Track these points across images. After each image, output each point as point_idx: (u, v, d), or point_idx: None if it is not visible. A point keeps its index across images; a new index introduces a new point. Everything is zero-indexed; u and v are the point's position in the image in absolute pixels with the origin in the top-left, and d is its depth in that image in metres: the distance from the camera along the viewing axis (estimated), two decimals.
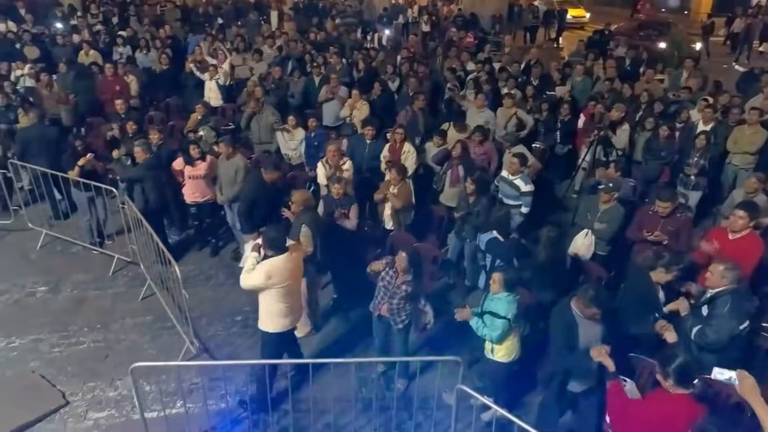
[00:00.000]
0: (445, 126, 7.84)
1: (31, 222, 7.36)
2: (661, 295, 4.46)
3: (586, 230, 5.61)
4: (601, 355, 3.65)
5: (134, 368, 3.78)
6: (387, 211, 6.48)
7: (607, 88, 9.45)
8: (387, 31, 14.52)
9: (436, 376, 4.19)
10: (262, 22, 16.84)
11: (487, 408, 4.60)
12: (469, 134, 7.49)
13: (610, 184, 5.49)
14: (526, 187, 6.34)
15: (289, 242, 4.72)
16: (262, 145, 8.28)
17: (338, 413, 4.59)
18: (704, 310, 4.15)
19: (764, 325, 4.67)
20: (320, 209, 5.95)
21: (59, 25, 14.16)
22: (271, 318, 4.55)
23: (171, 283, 6.05)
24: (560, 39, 20.12)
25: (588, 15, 23.79)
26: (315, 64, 10.60)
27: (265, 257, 4.46)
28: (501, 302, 4.28)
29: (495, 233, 5.26)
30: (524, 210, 6.29)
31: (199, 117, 8.20)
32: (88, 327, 5.81)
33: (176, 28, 14.08)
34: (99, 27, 13.98)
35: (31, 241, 7.27)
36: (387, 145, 7.17)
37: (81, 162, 6.54)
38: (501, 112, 8.54)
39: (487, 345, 4.44)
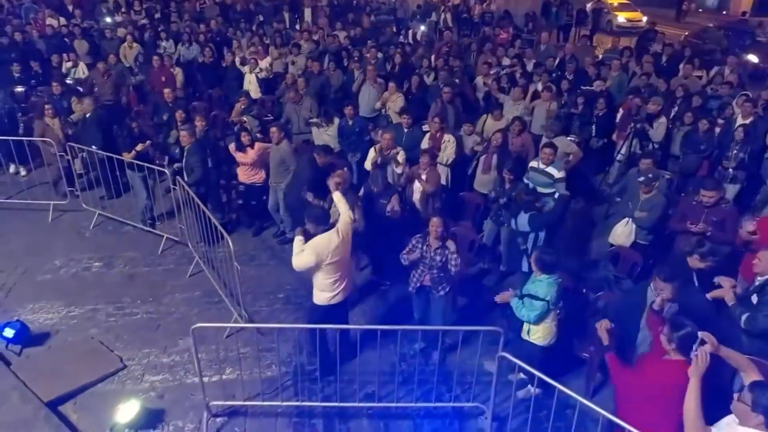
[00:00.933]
0: (483, 117, 7.98)
1: (85, 203, 7.76)
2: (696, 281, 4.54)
3: (626, 219, 5.68)
4: (602, 328, 3.80)
5: (195, 328, 4.05)
6: (416, 195, 6.66)
7: (644, 83, 9.45)
8: (422, 27, 14.66)
9: (476, 349, 4.35)
10: (296, 19, 17.20)
11: (523, 386, 4.77)
12: (506, 124, 7.63)
13: (650, 175, 5.57)
14: (559, 174, 6.47)
15: (334, 218, 4.92)
16: (301, 135, 8.52)
17: (380, 384, 4.78)
18: (754, 299, 4.20)
19: None
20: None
21: (108, 19, 14.69)
22: (322, 292, 4.72)
23: (217, 262, 6.38)
24: (593, 38, 19.93)
25: (645, 19, 22.14)
26: (354, 58, 10.83)
27: (312, 236, 4.62)
28: (542, 284, 4.41)
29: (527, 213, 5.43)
30: (561, 192, 6.40)
31: (242, 107, 8.49)
32: (141, 300, 6.14)
33: (217, 24, 14.44)
34: (144, 22, 14.44)
35: (85, 221, 7.67)
36: (427, 135, 7.34)
37: (139, 148, 6.90)
38: (538, 105, 8.64)
39: (525, 326, 4.57)
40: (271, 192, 7.03)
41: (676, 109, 8.51)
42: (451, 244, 4.90)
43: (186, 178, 6.58)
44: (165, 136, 8.00)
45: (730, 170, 7.24)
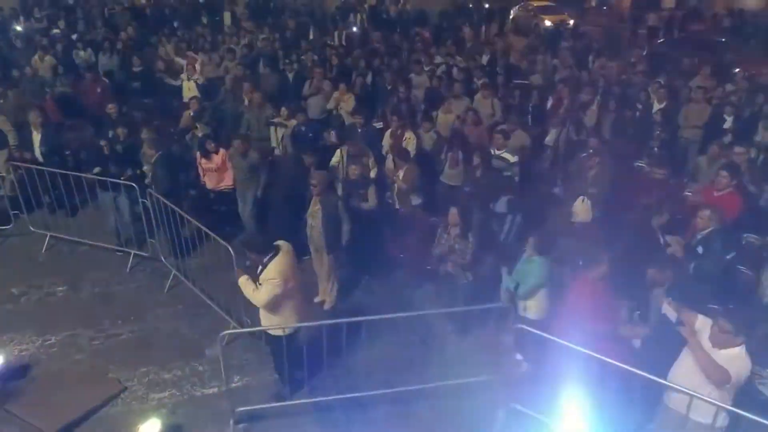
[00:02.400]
0: (434, 114, 8.38)
1: (33, 226, 7.27)
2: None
3: (581, 196, 6.28)
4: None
5: (224, 335, 4.07)
6: (395, 192, 6.93)
7: (568, 74, 10.32)
8: (354, 29, 14.88)
9: (486, 326, 4.71)
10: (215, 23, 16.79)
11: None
12: (457, 115, 8.09)
13: (590, 151, 6.23)
14: (513, 159, 7.01)
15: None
16: (261, 140, 8.44)
17: (393, 370, 5.01)
18: (699, 250, 4.90)
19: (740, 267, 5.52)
20: (338, 191, 6.27)
21: (18, 28, 13.57)
22: (287, 318, 4.52)
23: (194, 273, 6.29)
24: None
25: (572, 21, 21.90)
26: (287, 61, 10.88)
27: (263, 268, 4.37)
28: (534, 265, 4.85)
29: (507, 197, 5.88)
30: (517, 179, 6.94)
31: (192, 113, 8.30)
32: (121, 319, 5.91)
33: (134, 31, 13.79)
34: (56, 31, 13.48)
35: (35, 244, 7.19)
36: (388, 133, 7.61)
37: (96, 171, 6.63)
38: (479, 100, 9.17)
39: (521, 303, 4.99)
40: (240, 200, 7.00)
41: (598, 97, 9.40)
42: (470, 236, 5.17)
43: (155, 190, 6.39)
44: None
45: (656, 149, 8.15)
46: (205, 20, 16.52)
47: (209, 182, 7.02)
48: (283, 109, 8.27)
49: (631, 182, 6.34)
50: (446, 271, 5.36)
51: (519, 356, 5.09)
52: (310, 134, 8.10)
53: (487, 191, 6.19)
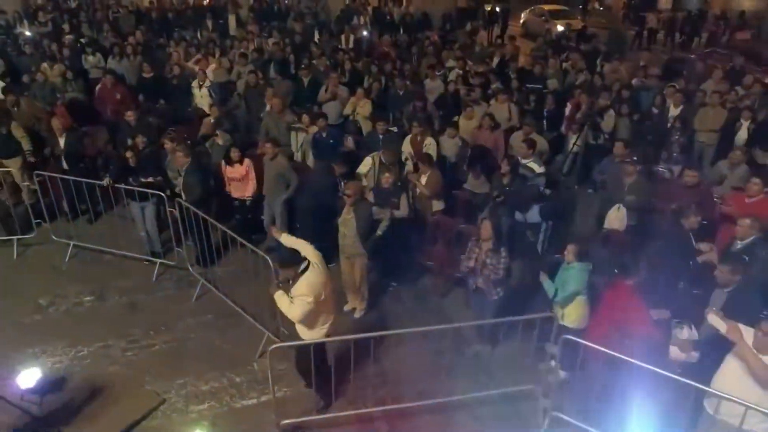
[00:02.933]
0: (456, 118, 8.40)
1: (55, 234, 7.22)
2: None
3: (617, 205, 6.27)
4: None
5: (273, 349, 4.06)
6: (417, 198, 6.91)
7: (582, 79, 10.35)
8: (365, 32, 14.83)
9: (517, 342, 4.72)
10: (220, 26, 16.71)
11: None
12: (479, 123, 8.11)
13: (634, 158, 6.23)
14: (539, 169, 7.03)
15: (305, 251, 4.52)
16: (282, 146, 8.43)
17: (429, 380, 5.01)
18: (745, 258, 4.90)
19: None
20: (370, 199, 6.25)
21: (27, 33, 13.44)
22: (314, 330, 4.50)
23: (219, 282, 6.27)
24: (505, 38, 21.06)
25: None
26: (303, 66, 10.83)
27: (294, 282, 4.35)
28: (574, 271, 4.86)
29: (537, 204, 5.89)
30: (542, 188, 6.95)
31: (213, 120, 8.27)
32: (152, 329, 5.89)
33: (143, 35, 13.69)
34: (68, 36, 13.33)
35: (57, 254, 7.14)
36: (408, 139, 7.61)
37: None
38: (496, 105, 9.17)
39: (559, 311, 5.00)
40: (266, 207, 6.98)
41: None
42: (504, 250, 5.08)
43: (186, 199, 6.36)
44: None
45: (675, 154, 8.20)
46: (210, 24, 16.42)
47: (234, 191, 6.99)
48: (304, 115, 8.26)
49: (661, 187, 6.35)
50: (476, 286, 5.30)
51: (555, 363, 5.11)
52: (331, 141, 8.12)
53: (518, 200, 6.20)
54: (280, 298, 4.39)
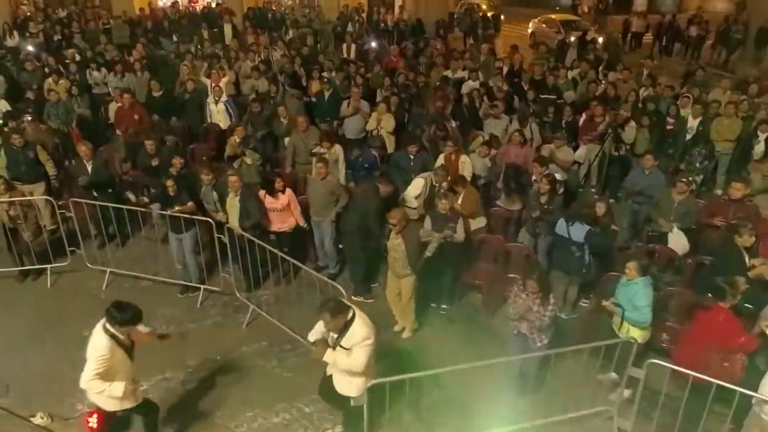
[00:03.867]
0: (486, 136, 8.47)
1: (90, 261, 7.05)
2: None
3: (674, 230, 6.34)
4: None
5: (371, 385, 4.04)
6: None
7: (594, 90, 10.51)
8: (373, 44, 14.78)
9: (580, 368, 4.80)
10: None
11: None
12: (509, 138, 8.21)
13: (690, 178, 6.40)
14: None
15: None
16: (305, 165, 8.35)
17: (500, 406, 5.05)
18: None
19: None
20: (427, 225, 6.20)
21: (30, 48, 13.03)
22: (363, 378, 4.29)
23: (268, 307, 6.24)
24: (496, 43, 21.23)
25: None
26: (325, 80, 10.68)
27: (340, 335, 4.18)
28: (638, 287, 4.95)
29: (586, 226, 5.96)
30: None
31: (238, 140, 8.12)
32: (208, 359, 5.80)
33: (145, 48, 13.41)
34: (71, 51, 12.99)
35: (91, 281, 6.99)
36: (442, 158, 7.64)
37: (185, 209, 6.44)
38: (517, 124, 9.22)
39: (624, 328, 5.08)
40: (315, 228, 6.92)
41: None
42: (552, 297, 4.95)
43: (242, 224, 6.29)
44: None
45: (697, 164, 8.43)
46: (206, 34, 16.16)
47: (274, 223, 6.75)
48: (324, 141, 8.19)
49: (708, 204, 6.52)
50: (518, 331, 5.14)
51: (615, 375, 5.22)
52: (366, 165, 8.11)
53: (558, 217, 6.28)
54: (336, 356, 4.19)
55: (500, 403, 5.06)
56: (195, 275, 6.78)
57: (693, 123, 9.04)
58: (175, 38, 16.45)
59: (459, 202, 6.76)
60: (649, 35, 20.60)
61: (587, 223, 5.97)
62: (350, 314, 4.18)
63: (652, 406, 4.73)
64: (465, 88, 10.92)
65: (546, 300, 4.86)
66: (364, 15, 19.49)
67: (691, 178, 8.01)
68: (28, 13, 17.19)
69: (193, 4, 24.22)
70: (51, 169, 7.74)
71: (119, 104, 9.22)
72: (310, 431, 4.99)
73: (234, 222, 6.47)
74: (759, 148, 8.53)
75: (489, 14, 21.85)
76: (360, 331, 4.14)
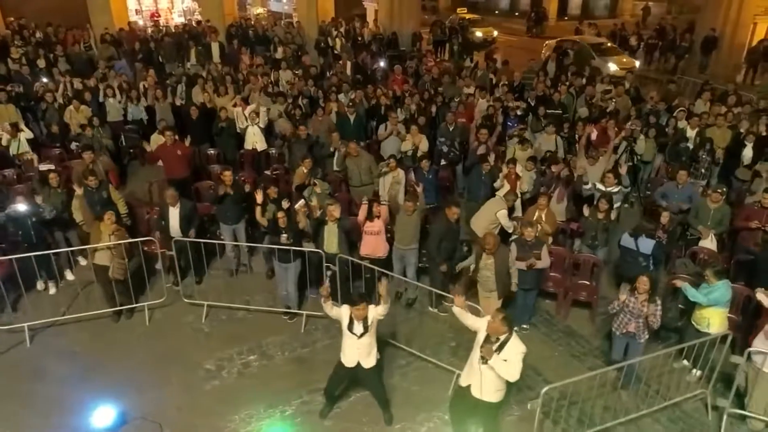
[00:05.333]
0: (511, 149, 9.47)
1: (186, 297, 7.30)
2: None
3: (710, 236, 7.43)
4: None
5: (548, 390, 4.74)
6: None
7: (605, 106, 11.61)
8: (382, 63, 15.27)
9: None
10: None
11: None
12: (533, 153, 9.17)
13: (723, 189, 7.54)
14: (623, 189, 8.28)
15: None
16: (363, 187, 8.90)
17: (607, 397, 5.88)
18: None
19: None
20: (513, 252, 6.72)
21: (44, 79, 12.59)
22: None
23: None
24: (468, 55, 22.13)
25: (495, 33, 24.89)
26: (350, 104, 11.11)
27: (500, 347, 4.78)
28: (720, 288, 5.91)
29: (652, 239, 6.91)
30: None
31: (306, 170, 8.50)
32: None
33: (155, 74, 13.25)
34: (81, 82, 12.70)
35: (188, 315, 7.24)
36: (503, 177, 8.39)
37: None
38: (544, 138, 10.16)
39: (704, 321, 6.02)
40: (398, 259, 7.34)
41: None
42: (659, 299, 5.80)
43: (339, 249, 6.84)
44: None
45: (702, 170, 9.65)
46: (193, 53, 16.10)
47: (366, 247, 7.22)
48: (391, 159, 8.78)
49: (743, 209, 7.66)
50: (627, 330, 5.96)
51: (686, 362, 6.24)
52: (430, 176, 8.74)
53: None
54: (501, 365, 4.72)
55: (612, 398, 5.91)
56: (295, 301, 7.19)
57: (691, 133, 10.31)
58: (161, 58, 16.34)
59: (544, 219, 7.51)
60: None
61: (651, 236, 6.92)
62: (510, 330, 4.86)
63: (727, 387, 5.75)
64: (481, 105, 11.71)
65: (655, 302, 5.70)
66: (342, 30, 19.90)
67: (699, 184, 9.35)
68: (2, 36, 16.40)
69: (155, 18, 23.79)
70: (123, 208, 7.86)
71: (164, 140, 9.26)
72: None
73: (332, 248, 6.96)
74: (747, 153, 9.88)
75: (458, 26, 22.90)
76: (518, 344, 4.82)
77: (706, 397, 5.93)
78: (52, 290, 7.59)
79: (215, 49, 16.79)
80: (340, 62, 15.76)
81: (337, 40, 19.25)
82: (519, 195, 8.38)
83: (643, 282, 5.69)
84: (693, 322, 6.16)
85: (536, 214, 7.55)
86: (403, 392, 6.13)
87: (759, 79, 17.89)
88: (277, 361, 6.58)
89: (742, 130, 10.27)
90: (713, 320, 6.02)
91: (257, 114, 10.47)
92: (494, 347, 4.78)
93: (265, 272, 8.04)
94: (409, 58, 16.72)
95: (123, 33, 17.32)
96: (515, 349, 4.79)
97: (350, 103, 11.06)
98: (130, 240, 6.92)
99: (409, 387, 6.21)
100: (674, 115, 10.88)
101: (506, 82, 13.05)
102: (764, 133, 10.07)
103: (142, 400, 5.87)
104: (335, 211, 6.85)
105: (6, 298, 6.96)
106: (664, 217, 7.08)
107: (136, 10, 23.70)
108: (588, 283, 7.38)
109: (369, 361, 5.43)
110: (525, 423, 5.69)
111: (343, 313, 5.31)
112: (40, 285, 7.56)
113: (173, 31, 17.81)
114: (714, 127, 10.34)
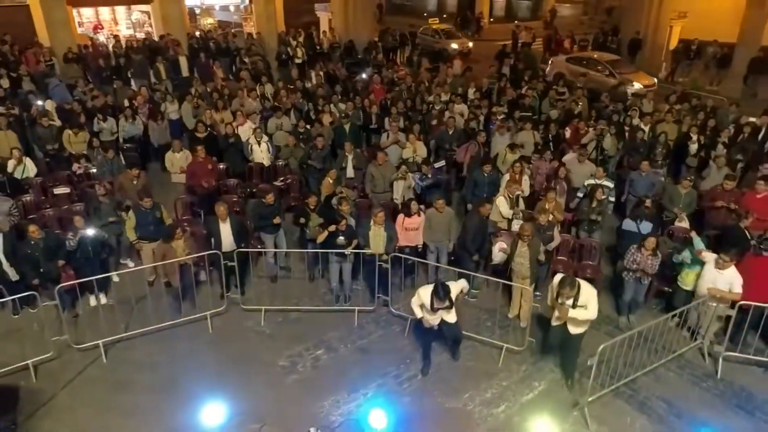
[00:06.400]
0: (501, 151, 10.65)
1: (244, 303, 7.87)
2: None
3: (680, 216, 8.91)
4: None
5: (603, 347, 5.86)
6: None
7: (569, 105, 13.10)
8: (364, 75, 15.95)
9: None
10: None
11: None
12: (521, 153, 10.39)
13: (691, 177, 9.08)
14: (611, 184, 9.57)
15: None
16: (383, 194, 9.71)
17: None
18: None
19: None
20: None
21: (40, 102, 12.29)
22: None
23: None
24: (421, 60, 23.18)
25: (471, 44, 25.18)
26: (344, 116, 11.95)
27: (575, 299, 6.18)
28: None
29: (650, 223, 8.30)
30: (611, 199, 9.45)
31: (331, 180, 9.23)
32: (403, 369, 7.02)
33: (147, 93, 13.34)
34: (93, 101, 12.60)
35: (246, 320, 7.83)
36: (508, 178, 9.50)
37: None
38: (523, 134, 11.46)
39: (684, 279, 7.44)
40: (432, 252, 8.28)
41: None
42: (659, 254, 7.35)
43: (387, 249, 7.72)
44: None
45: (659, 161, 11.27)
46: (162, 69, 16.11)
47: (407, 240, 8.15)
48: (403, 166, 9.69)
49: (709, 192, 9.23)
50: (637, 277, 7.51)
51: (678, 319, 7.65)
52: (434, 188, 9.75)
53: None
54: (576, 312, 6.18)
55: (631, 355, 7.16)
56: (350, 288, 8.06)
57: (646, 128, 11.96)
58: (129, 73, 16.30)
59: (552, 208, 8.62)
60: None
61: (649, 220, 8.29)
62: (577, 284, 6.13)
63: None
64: (457, 110, 12.84)
65: (656, 256, 7.30)
66: (301, 39, 20.45)
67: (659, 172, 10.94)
68: None
69: (98, 31, 23.15)
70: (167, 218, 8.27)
71: (197, 158, 9.70)
72: (519, 395, 6.63)
73: (379, 249, 7.78)
74: (693, 147, 11.64)
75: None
76: (589, 290, 6.17)
77: (703, 347, 7.32)
78: (103, 300, 7.92)
79: (183, 62, 16.92)
80: (313, 73, 16.40)
81: (297, 49, 19.85)
82: (522, 190, 9.52)
83: (651, 242, 7.24)
84: (680, 285, 7.54)
85: (547, 204, 8.74)
86: (462, 368, 7.08)
87: (679, 75, 20.37)
88: (342, 352, 7.33)
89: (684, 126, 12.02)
90: (691, 278, 7.40)
91: (263, 131, 11.05)
92: (569, 303, 6.18)
93: (307, 276, 8.72)
94: (383, 67, 17.60)
95: (87, 51, 17.00)
96: (589, 294, 6.20)
97: (344, 114, 11.84)
98: (202, 253, 7.54)
99: (464, 363, 7.18)
100: (629, 113, 12.52)
101: (477, 89, 14.27)
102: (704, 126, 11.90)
103: (233, 399, 6.33)
104: (381, 215, 7.68)
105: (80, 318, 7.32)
106: (648, 204, 8.50)
107: (79, 22, 22.98)
108: (592, 262, 8.65)
109: (451, 317, 6.63)
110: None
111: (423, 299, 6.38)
112: (92, 301, 7.88)
113: (135, 46, 17.51)
114: (664, 123, 12.05)
